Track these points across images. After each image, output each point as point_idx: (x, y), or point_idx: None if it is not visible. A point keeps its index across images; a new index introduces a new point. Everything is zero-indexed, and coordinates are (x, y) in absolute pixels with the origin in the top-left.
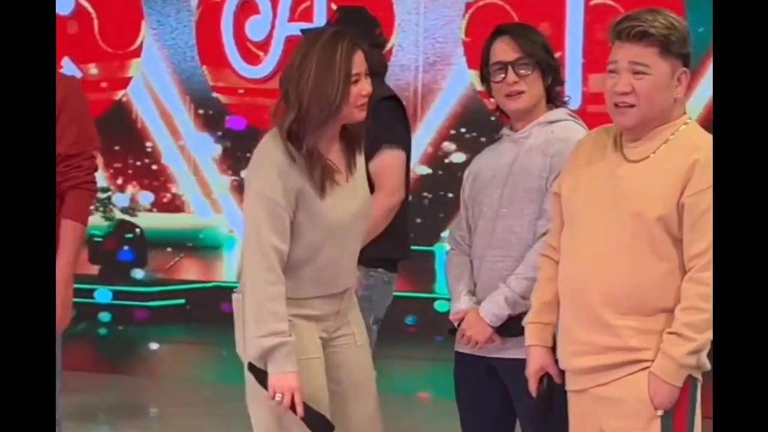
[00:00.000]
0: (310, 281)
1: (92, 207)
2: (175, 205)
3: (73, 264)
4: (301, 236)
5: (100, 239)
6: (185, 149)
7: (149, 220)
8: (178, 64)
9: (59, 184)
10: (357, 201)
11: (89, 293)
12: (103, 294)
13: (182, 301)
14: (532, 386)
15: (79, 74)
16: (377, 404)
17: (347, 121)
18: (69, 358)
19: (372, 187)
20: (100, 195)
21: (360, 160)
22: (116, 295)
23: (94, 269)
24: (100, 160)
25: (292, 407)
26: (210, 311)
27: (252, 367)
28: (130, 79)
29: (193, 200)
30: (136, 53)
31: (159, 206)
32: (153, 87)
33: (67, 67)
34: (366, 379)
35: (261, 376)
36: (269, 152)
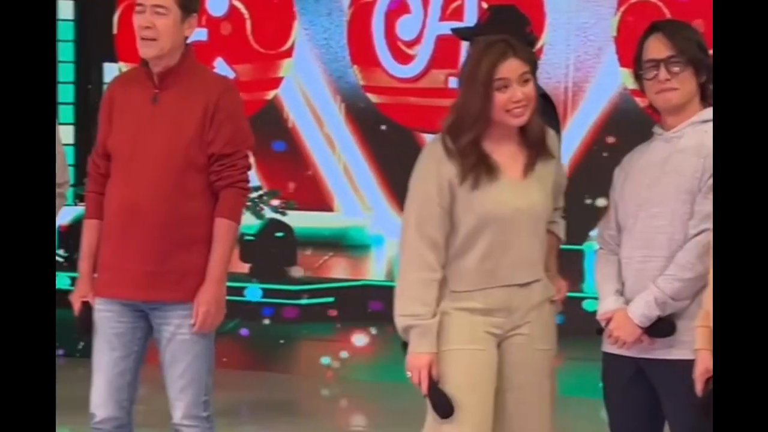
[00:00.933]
0: (470, 273)
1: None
2: (324, 204)
3: (227, 262)
4: (459, 227)
5: (251, 238)
6: (335, 148)
7: (299, 219)
8: (329, 63)
9: (213, 183)
10: (525, 199)
11: (240, 291)
12: (253, 292)
13: (331, 299)
14: (699, 389)
15: (231, 75)
16: (541, 413)
17: (503, 124)
18: (220, 355)
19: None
20: (251, 194)
21: (542, 164)
22: (266, 293)
23: (245, 267)
24: (251, 160)
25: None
26: (358, 310)
27: (403, 344)
28: (281, 79)
29: (342, 199)
30: (288, 53)
31: (309, 205)
32: (304, 87)
33: (219, 67)
34: (532, 386)
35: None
36: (431, 146)
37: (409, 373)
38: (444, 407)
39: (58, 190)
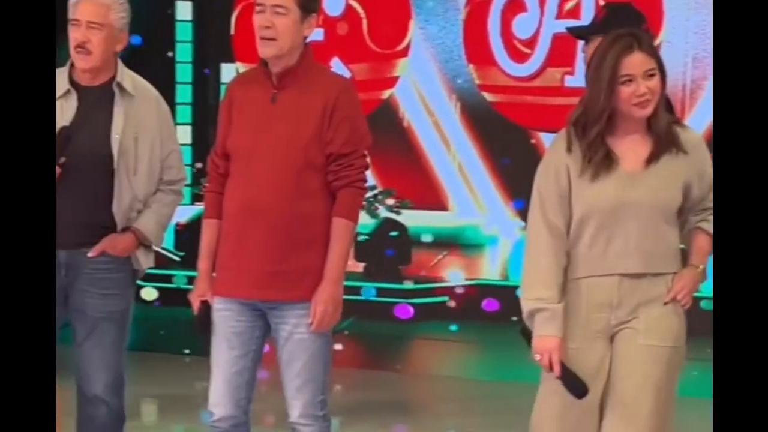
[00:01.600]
0: (580, 259)
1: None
2: (439, 204)
3: (345, 262)
4: (575, 214)
5: (365, 237)
6: (450, 148)
7: (413, 218)
8: (445, 63)
9: (331, 182)
10: (637, 190)
11: (356, 291)
12: (368, 291)
13: (445, 298)
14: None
15: (347, 74)
16: (643, 407)
17: (629, 116)
18: (337, 354)
19: None
20: (367, 193)
21: (670, 157)
22: (380, 292)
23: (360, 267)
24: (367, 159)
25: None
26: (472, 309)
27: (523, 330)
28: (397, 78)
29: (457, 198)
30: (404, 53)
31: (423, 204)
32: (419, 86)
33: (336, 67)
34: (632, 380)
35: (528, 338)
36: (557, 138)
37: (537, 357)
38: (579, 388)
39: (174, 187)
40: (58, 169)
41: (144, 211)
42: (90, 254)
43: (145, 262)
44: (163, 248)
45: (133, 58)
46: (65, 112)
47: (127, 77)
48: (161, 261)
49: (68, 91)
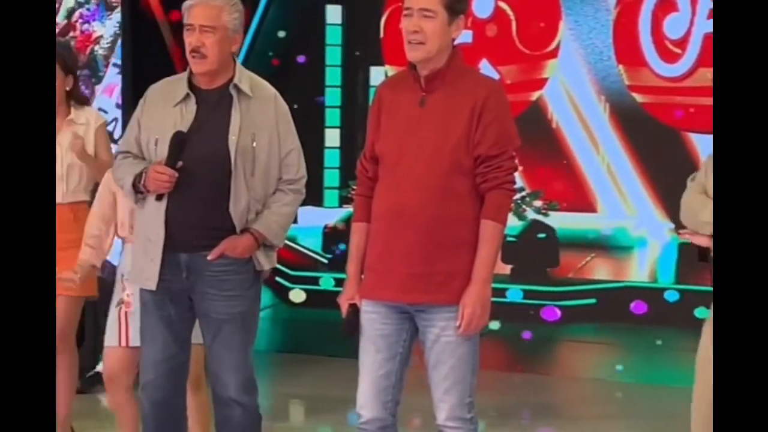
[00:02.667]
0: None
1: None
2: (587, 205)
3: (493, 264)
4: None
5: (513, 239)
6: (599, 149)
7: (561, 220)
8: (594, 63)
9: (479, 185)
10: None
11: (502, 293)
12: (514, 293)
13: (593, 300)
14: None
15: (496, 76)
16: None
17: None
18: (483, 357)
19: None
20: (515, 195)
21: None
22: (527, 294)
23: (507, 269)
24: (516, 161)
25: None
26: (619, 311)
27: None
28: (546, 80)
29: (605, 200)
30: (553, 54)
31: (571, 206)
32: (569, 87)
33: (484, 69)
34: None
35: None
36: None
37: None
38: None
39: (293, 186)
40: (175, 173)
41: (263, 211)
42: (209, 257)
43: (266, 262)
44: (311, 250)
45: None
46: (185, 116)
47: (245, 78)
48: (309, 263)
49: (187, 95)
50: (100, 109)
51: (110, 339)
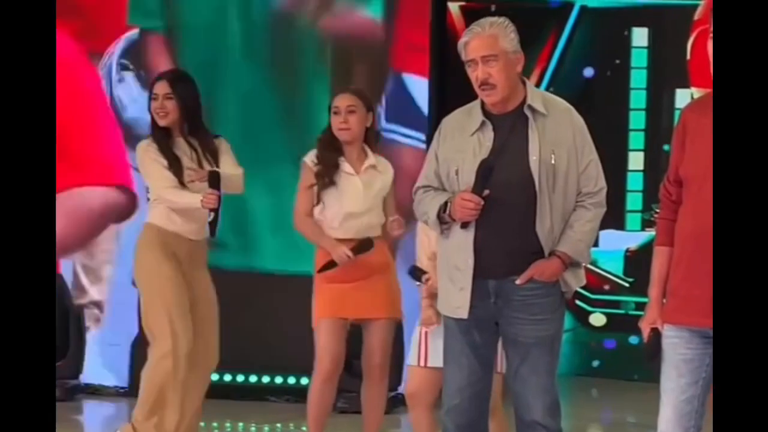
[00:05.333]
0: None
1: None
2: None
3: None
4: None
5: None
6: None
7: None
8: None
9: None
10: None
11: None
12: None
13: None
14: None
15: None
16: None
17: None
18: None
19: None
20: None
21: None
22: None
23: None
24: None
25: None
26: None
27: None
28: None
29: None
30: None
31: None
32: None
33: None
34: None
35: None
36: None
37: None
38: None
39: (593, 200)
40: (481, 201)
41: (566, 231)
42: (518, 281)
43: (574, 282)
44: (612, 274)
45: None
46: (483, 143)
47: (536, 97)
48: (611, 286)
49: (483, 123)
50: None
51: (412, 358)
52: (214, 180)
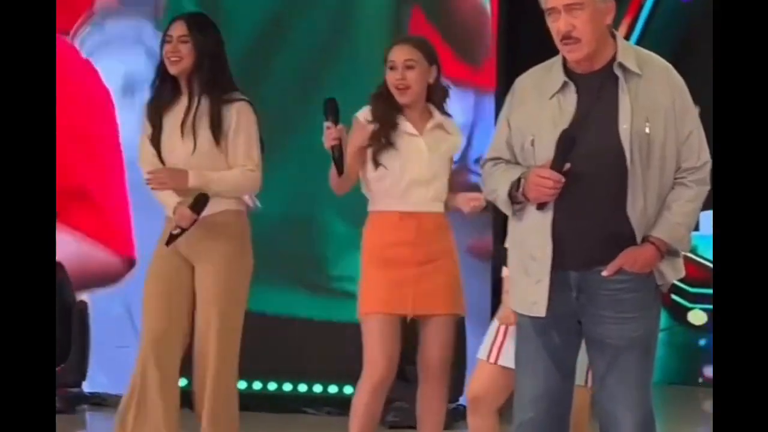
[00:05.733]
0: None
1: None
2: None
3: None
4: None
5: None
6: None
7: None
8: None
9: None
10: None
11: None
12: None
13: None
14: None
15: None
16: None
17: None
18: None
19: None
20: None
21: None
22: None
23: None
24: None
25: None
26: None
27: None
28: None
29: None
30: None
31: None
32: None
33: None
34: None
35: None
36: None
37: None
38: None
39: (695, 177)
40: (562, 178)
41: (662, 213)
42: (605, 273)
43: (671, 274)
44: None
45: None
46: (564, 108)
47: (630, 54)
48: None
49: (565, 84)
50: None
51: (482, 351)
52: (198, 205)
